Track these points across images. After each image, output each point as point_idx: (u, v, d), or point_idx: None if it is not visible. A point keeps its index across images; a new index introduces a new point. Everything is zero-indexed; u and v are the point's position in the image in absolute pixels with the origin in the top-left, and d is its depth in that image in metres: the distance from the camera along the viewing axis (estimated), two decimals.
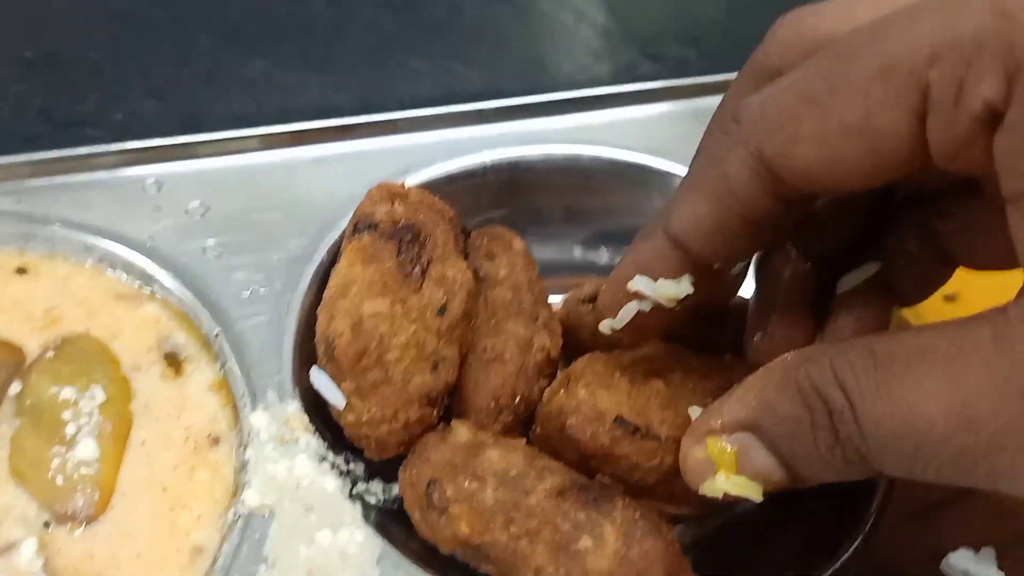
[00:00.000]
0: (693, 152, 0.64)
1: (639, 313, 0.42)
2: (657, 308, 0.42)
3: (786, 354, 0.37)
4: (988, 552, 0.47)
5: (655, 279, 0.41)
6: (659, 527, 0.43)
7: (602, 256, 0.66)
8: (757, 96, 0.36)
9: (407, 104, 0.80)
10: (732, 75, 0.70)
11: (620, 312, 0.43)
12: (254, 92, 0.80)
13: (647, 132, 0.68)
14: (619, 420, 0.45)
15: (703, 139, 0.45)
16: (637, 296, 0.42)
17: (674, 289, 0.41)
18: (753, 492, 0.38)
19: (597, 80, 0.86)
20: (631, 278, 0.42)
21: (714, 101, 0.68)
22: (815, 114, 0.33)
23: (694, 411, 0.44)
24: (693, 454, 0.40)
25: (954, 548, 0.47)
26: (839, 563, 0.47)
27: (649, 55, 0.89)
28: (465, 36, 0.88)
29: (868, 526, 0.48)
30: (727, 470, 0.38)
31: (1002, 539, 0.48)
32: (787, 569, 0.49)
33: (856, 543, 0.48)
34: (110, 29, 0.83)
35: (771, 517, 0.51)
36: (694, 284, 0.41)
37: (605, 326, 0.44)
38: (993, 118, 0.30)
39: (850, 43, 0.33)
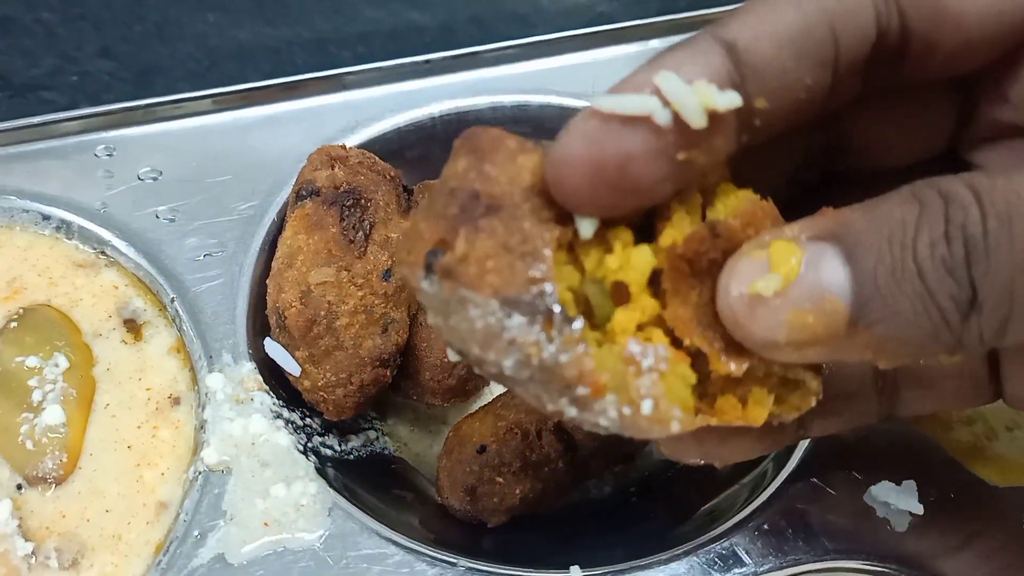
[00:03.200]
0: None
1: (644, 131, 0.30)
2: (669, 135, 0.30)
3: None
4: (909, 485, 0.50)
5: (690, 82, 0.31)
6: None
7: None
8: None
9: (362, 55, 0.81)
10: (690, 13, 0.72)
11: (627, 101, 0.30)
12: (207, 47, 0.80)
13: (596, 76, 0.68)
14: None
15: None
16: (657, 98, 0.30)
17: (719, 96, 0.30)
18: (799, 329, 0.30)
19: (552, 21, 0.86)
20: (656, 75, 0.31)
21: (668, 42, 0.70)
22: None
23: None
24: (750, 253, 0.31)
25: (876, 481, 0.50)
26: (768, 494, 0.51)
27: None
28: None
29: (797, 462, 0.51)
30: (786, 275, 0.30)
31: (922, 473, 0.50)
32: (720, 501, 0.53)
33: (784, 478, 0.51)
34: None
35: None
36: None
37: (604, 102, 0.31)
38: None
39: None
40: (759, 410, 0.34)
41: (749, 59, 0.32)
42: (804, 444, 0.52)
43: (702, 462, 0.38)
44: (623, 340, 0.31)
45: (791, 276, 0.30)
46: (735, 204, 0.34)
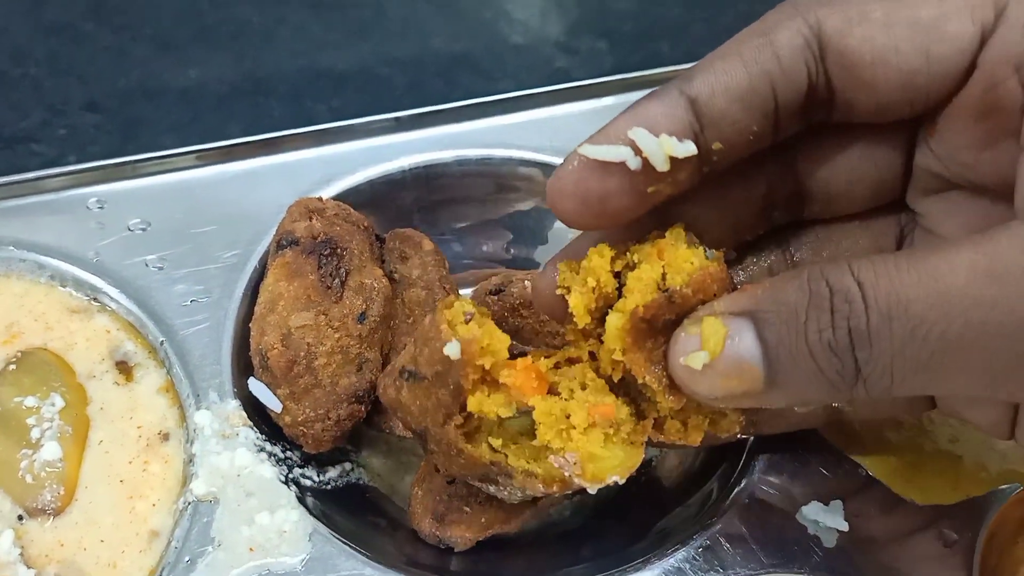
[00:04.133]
0: None
1: (619, 173, 0.39)
2: (640, 174, 0.39)
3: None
4: (836, 504, 0.56)
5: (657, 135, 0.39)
6: None
7: (510, 252, 0.73)
8: None
9: (336, 108, 0.86)
10: (640, 73, 0.78)
11: (606, 151, 0.39)
12: (188, 100, 0.85)
13: (555, 131, 0.74)
14: None
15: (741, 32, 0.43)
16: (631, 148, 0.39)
17: (679, 146, 0.39)
18: (727, 391, 0.38)
19: (514, 75, 0.92)
20: (630, 128, 0.39)
21: (622, 99, 0.76)
22: (883, 5, 0.38)
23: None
24: (687, 329, 0.39)
25: (807, 502, 0.55)
26: (711, 515, 0.56)
27: (563, 48, 0.95)
28: (389, 36, 0.93)
29: (733, 483, 0.56)
30: (713, 347, 0.38)
31: (847, 493, 0.56)
32: (669, 519, 0.58)
33: (727, 499, 0.56)
34: (48, 43, 0.87)
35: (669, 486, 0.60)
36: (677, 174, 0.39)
37: (587, 149, 0.40)
38: None
39: None
40: (696, 434, 0.43)
41: (707, 112, 0.40)
42: (747, 468, 0.57)
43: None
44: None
45: (717, 351, 0.38)
46: (689, 269, 0.42)
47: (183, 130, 0.81)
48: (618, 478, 0.42)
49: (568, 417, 0.43)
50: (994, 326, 0.34)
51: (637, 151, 0.39)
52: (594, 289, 0.43)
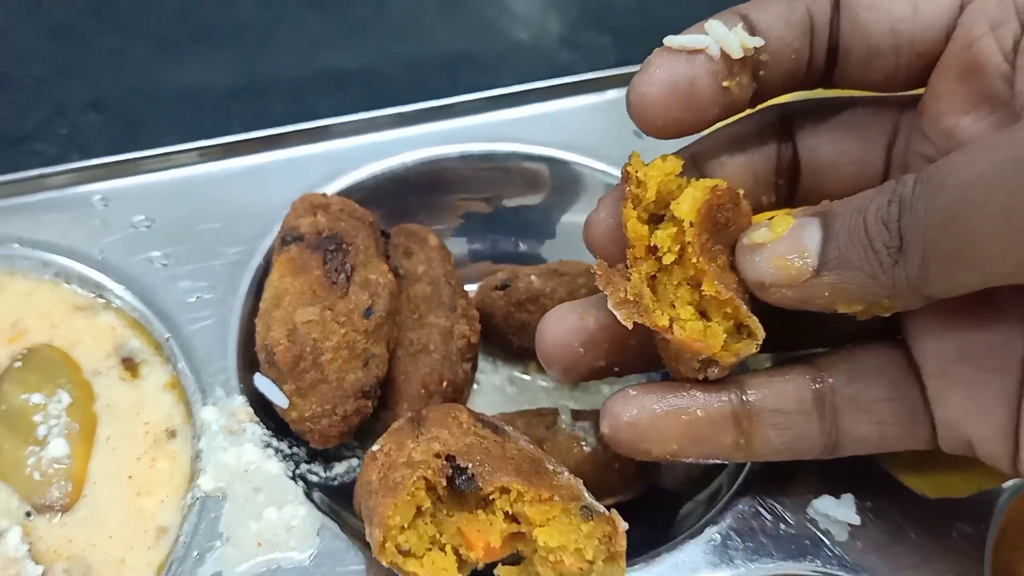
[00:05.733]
0: (605, 145, 0.71)
1: (702, 61, 0.44)
2: (718, 65, 0.44)
3: None
4: (848, 498, 0.55)
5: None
6: None
7: (517, 247, 0.73)
8: None
9: (336, 105, 0.86)
10: (638, 66, 0.78)
11: (689, 39, 0.44)
12: (190, 98, 0.85)
13: (557, 125, 0.74)
14: None
15: None
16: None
17: (749, 38, 0.44)
18: (778, 271, 0.42)
19: (516, 70, 0.92)
20: (704, 25, 0.45)
21: (622, 94, 0.75)
22: None
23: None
24: (758, 221, 0.44)
25: (818, 495, 0.55)
26: (720, 507, 0.55)
27: (566, 42, 0.95)
28: (390, 34, 0.93)
29: (742, 477, 0.56)
30: (776, 233, 0.42)
31: (859, 487, 0.55)
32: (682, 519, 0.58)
33: (733, 491, 0.56)
34: (49, 44, 0.87)
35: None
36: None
37: (672, 40, 0.45)
38: None
39: None
40: (715, 339, 0.44)
41: (758, 25, 0.45)
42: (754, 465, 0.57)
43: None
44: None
45: (780, 233, 0.42)
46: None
47: (185, 129, 0.80)
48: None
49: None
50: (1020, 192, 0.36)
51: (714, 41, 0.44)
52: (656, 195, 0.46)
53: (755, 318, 0.45)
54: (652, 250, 0.45)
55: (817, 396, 0.48)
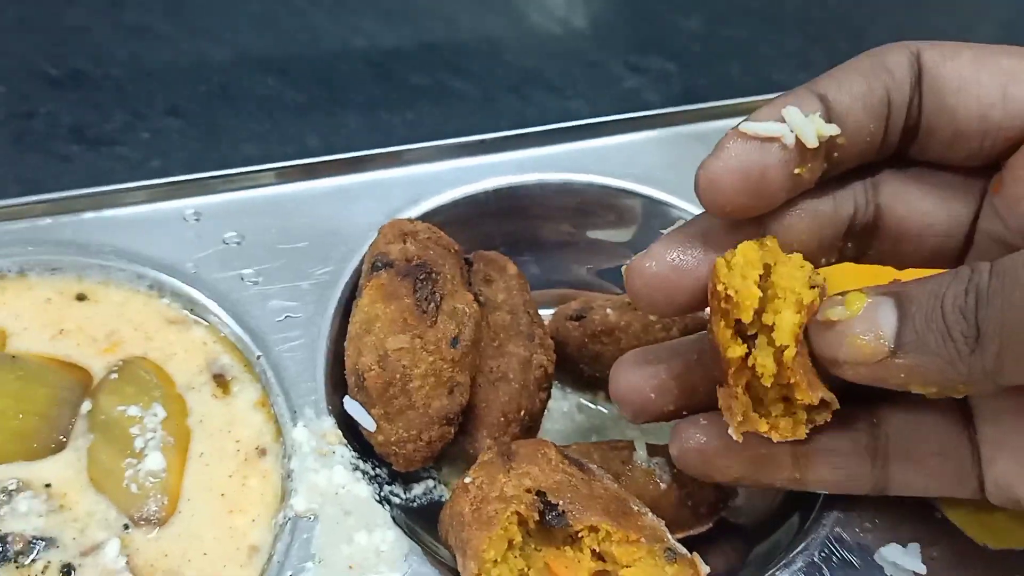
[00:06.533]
0: (674, 177, 0.72)
1: (776, 149, 0.44)
2: (791, 153, 0.44)
3: None
4: (914, 547, 0.57)
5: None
6: None
7: (590, 276, 0.74)
8: None
9: (410, 120, 0.87)
10: (713, 103, 0.79)
11: (766, 127, 0.44)
12: (268, 108, 0.86)
13: (631, 157, 0.75)
14: None
15: None
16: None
17: (826, 126, 0.44)
18: (853, 349, 0.42)
19: (584, 93, 0.93)
20: (780, 111, 0.45)
21: (695, 128, 0.77)
22: (973, 49, 0.45)
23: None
24: (832, 297, 0.44)
25: (885, 543, 0.56)
26: (793, 554, 0.57)
27: (632, 67, 0.96)
28: (460, 49, 0.95)
29: (811, 519, 0.58)
30: (852, 311, 0.42)
31: (924, 536, 0.57)
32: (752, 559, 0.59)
33: (804, 534, 0.57)
34: (128, 45, 0.88)
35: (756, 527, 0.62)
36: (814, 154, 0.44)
37: (748, 126, 0.45)
38: None
39: None
40: (801, 430, 0.47)
41: (834, 107, 0.45)
42: (827, 506, 0.58)
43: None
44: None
45: (855, 312, 0.43)
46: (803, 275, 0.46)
47: (263, 139, 0.83)
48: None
49: None
50: None
51: (790, 129, 0.44)
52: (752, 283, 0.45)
53: (832, 394, 0.46)
54: (748, 366, 0.46)
55: (871, 442, 0.51)
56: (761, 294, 0.45)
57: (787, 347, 0.44)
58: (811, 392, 0.45)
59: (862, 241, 0.51)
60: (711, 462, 0.52)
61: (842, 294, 0.44)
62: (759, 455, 0.51)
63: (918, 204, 0.50)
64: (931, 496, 0.52)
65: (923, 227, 0.50)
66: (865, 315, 0.42)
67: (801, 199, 0.48)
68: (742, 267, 0.45)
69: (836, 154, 0.46)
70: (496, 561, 0.48)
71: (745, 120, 0.45)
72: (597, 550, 0.49)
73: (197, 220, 0.66)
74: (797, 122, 0.44)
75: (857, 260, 0.52)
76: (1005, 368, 0.40)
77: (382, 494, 0.57)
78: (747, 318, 0.45)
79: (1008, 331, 0.39)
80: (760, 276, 0.45)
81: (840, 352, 0.43)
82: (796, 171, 0.45)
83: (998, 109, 0.45)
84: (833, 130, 0.44)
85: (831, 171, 0.47)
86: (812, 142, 0.44)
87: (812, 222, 0.49)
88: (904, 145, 0.48)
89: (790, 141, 0.44)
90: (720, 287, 0.45)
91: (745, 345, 0.46)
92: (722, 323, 0.46)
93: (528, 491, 0.50)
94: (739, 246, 0.46)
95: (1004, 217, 0.47)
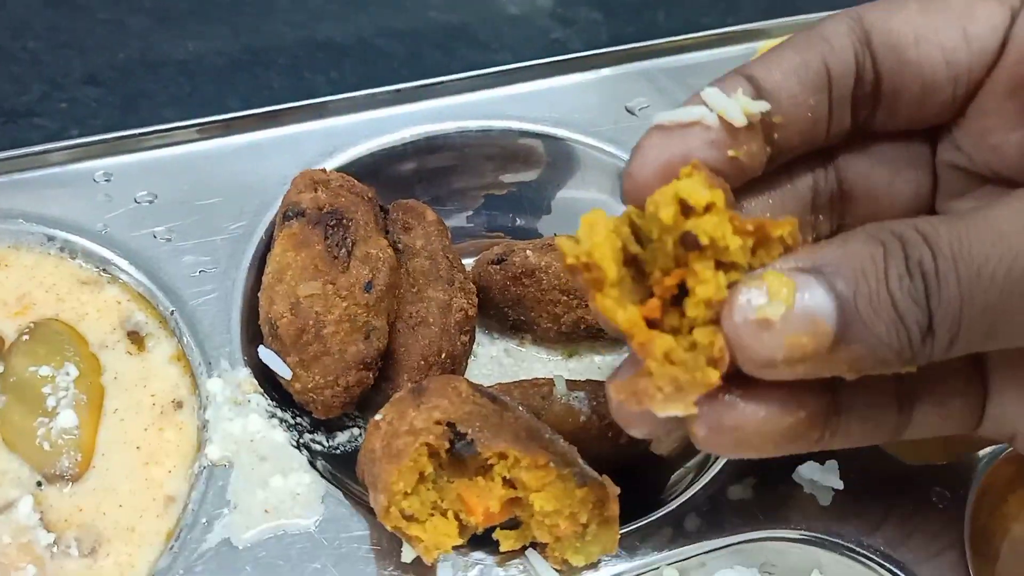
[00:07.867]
0: (598, 122, 0.72)
1: (699, 133, 0.40)
2: (720, 137, 0.40)
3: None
4: (831, 464, 0.57)
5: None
6: None
7: (513, 222, 0.74)
8: None
9: (335, 80, 0.86)
10: (638, 44, 0.78)
11: (681, 113, 0.41)
12: (188, 72, 0.85)
13: (552, 102, 0.75)
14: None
15: None
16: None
17: (752, 103, 0.41)
18: (795, 349, 0.35)
19: (511, 47, 0.92)
20: (700, 96, 0.41)
21: (622, 70, 0.77)
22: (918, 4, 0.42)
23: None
24: (748, 283, 0.37)
25: (802, 461, 0.57)
26: (710, 476, 0.57)
27: (559, 19, 0.96)
28: (386, 8, 0.94)
29: None
30: (785, 300, 0.36)
31: (841, 453, 0.57)
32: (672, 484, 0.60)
33: (723, 461, 0.58)
34: (45, 16, 0.87)
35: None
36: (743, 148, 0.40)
37: (664, 116, 0.42)
38: None
39: None
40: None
41: (765, 85, 0.42)
42: None
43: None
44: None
45: (790, 304, 0.36)
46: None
47: (183, 103, 0.82)
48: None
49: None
50: None
51: (712, 110, 0.41)
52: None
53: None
54: (652, 323, 0.39)
55: (899, 388, 0.45)
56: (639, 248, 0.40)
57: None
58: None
59: (835, 209, 0.48)
60: (747, 441, 0.41)
61: (753, 278, 0.37)
62: (799, 422, 0.41)
63: (881, 159, 0.47)
64: (932, 436, 0.47)
65: (893, 180, 0.48)
66: (800, 309, 0.36)
67: (756, 184, 0.44)
68: (590, 232, 0.39)
69: (777, 135, 0.43)
70: (406, 493, 0.48)
71: (660, 113, 0.42)
72: (508, 477, 0.50)
73: (108, 181, 0.65)
74: (718, 102, 0.41)
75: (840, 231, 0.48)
76: (956, 350, 0.38)
77: (301, 441, 0.57)
78: (612, 276, 0.39)
79: (967, 323, 0.37)
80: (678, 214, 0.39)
81: (780, 353, 0.36)
82: (731, 154, 0.41)
83: (963, 52, 0.42)
84: (762, 106, 0.41)
85: (781, 155, 0.44)
86: (739, 120, 0.41)
87: (770, 205, 0.46)
88: (866, 118, 0.45)
89: (712, 121, 0.41)
90: (570, 259, 0.39)
91: (636, 307, 0.40)
92: (600, 296, 0.39)
93: (438, 423, 0.50)
94: (582, 217, 0.40)
95: (968, 151, 0.46)
